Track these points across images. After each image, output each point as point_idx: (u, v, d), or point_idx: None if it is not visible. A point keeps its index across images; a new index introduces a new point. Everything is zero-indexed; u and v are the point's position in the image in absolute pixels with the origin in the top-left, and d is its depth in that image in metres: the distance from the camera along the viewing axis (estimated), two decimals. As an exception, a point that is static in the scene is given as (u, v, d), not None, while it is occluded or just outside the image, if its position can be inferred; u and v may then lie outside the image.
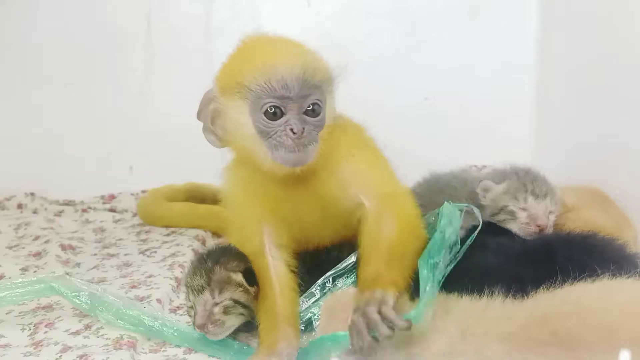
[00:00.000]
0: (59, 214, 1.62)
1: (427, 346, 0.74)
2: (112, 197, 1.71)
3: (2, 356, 0.89)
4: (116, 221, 1.59)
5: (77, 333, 0.95)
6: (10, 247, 1.34)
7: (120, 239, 1.45)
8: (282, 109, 0.85)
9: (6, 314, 1.03)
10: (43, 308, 1.05)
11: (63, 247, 1.32)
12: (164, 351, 0.92)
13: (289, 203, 0.94)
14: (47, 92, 1.72)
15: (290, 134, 0.85)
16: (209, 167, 1.71)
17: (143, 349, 0.92)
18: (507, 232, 1.01)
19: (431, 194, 1.10)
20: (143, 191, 1.69)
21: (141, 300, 1.06)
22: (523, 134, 1.67)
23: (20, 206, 1.66)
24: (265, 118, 0.86)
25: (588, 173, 1.33)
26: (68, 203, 1.69)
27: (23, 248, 1.33)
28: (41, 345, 0.91)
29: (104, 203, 1.69)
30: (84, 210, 1.64)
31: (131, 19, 1.67)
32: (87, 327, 0.97)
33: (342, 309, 0.81)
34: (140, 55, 1.69)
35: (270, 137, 0.86)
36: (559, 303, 0.71)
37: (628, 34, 1.18)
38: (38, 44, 1.69)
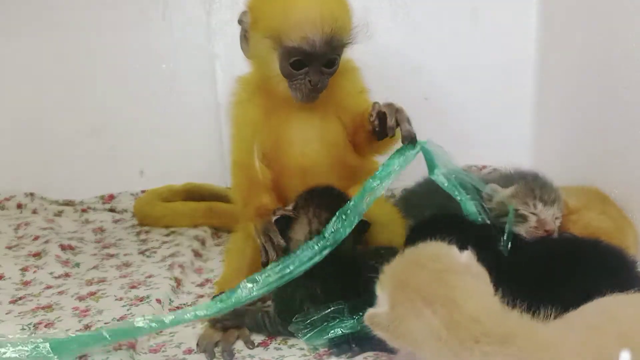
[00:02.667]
0: (59, 214, 1.62)
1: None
2: (111, 197, 1.71)
3: (1, 356, 0.88)
4: (116, 221, 1.59)
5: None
6: (10, 247, 1.34)
7: (119, 239, 1.45)
8: (306, 62, 0.96)
9: (6, 314, 1.03)
10: (43, 308, 1.05)
11: (63, 247, 1.32)
12: (163, 351, 0.92)
13: (297, 123, 1.04)
14: (47, 92, 1.72)
15: (309, 85, 0.97)
16: (208, 167, 1.72)
17: (143, 349, 0.92)
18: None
19: (431, 194, 1.10)
20: (143, 191, 1.69)
21: (141, 301, 1.06)
22: (523, 134, 1.67)
23: (19, 206, 1.66)
24: (289, 67, 0.96)
25: (588, 173, 1.32)
26: (68, 203, 1.69)
27: (23, 248, 1.33)
28: (41, 346, 0.91)
29: (103, 203, 1.69)
30: (83, 211, 1.64)
31: (131, 19, 1.67)
32: (87, 327, 0.97)
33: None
34: (140, 56, 1.69)
35: (291, 81, 0.98)
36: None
37: (628, 34, 1.18)
38: (38, 44, 1.69)
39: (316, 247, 0.88)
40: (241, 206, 1.06)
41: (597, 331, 0.64)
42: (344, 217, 0.90)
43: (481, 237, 0.90)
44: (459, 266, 0.66)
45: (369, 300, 0.71)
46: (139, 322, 0.85)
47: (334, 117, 1.06)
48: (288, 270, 0.87)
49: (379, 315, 0.66)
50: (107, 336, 0.83)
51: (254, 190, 1.04)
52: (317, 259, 0.88)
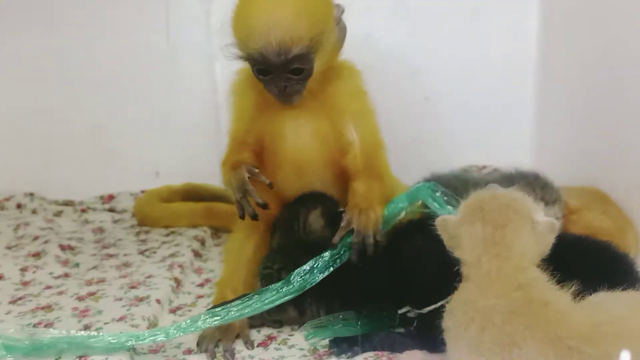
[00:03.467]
0: (58, 214, 1.61)
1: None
2: (111, 197, 1.70)
3: (1, 357, 0.88)
4: (115, 221, 1.59)
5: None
6: (9, 248, 1.34)
7: (119, 239, 1.45)
8: (268, 70, 0.96)
9: (5, 314, 1.03)
10: (42, 308, 1.05)
11: (62, 248, 1.32)
12: (163, 351, 0.92)
13: (289, 119, 1.04)
14: (47, 91, 1.72)
15: (274, 90, 0.98)
16: (208, 167, 1.71)
17: (143, 349, 0.92)
18: None
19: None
20: (142, 191, 1.69)
21: (140, 301, 1.06)
22: (523, 134, 1.67)
23: (19, 206, 1.66)
24: (257, 73, 0.98)
25: (588, 173, 1.32)
26: (67, 203, 1.68)
27: (22, 248, 1.33)
28: (40, 346, 0.91)
29: (103, 203, 1.69)
30: (83, 211, 1.63)
31: (131, 19, 1.67)
32: (87, 327, 0.96)
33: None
34: (140, 55, 1.69)
35: (264, 83, 0.99)
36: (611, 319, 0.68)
37: (629, 33, 1.18)
38: (38, 43, 1.68)
39: (281, 291, 0.89)
40: (221, 165, 1.07)
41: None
42: (313, 269, 0.90)
43: None
44: (527, 213, 0.76)
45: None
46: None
47: (326, 117, 1.05)
48: (247, 310, 0.88)
49: (447, 220, 0.78)
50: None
51: (235, 150, 1.07)
52: (278, 302, 0.89)
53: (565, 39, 1.50)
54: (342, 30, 1.04)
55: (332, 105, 1.05)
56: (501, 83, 1.64)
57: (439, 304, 0.79)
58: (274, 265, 0.98)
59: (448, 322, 0.73)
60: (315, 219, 1.02)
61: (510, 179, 1.07)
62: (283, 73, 0.96)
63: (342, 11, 1.03)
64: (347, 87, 1.07)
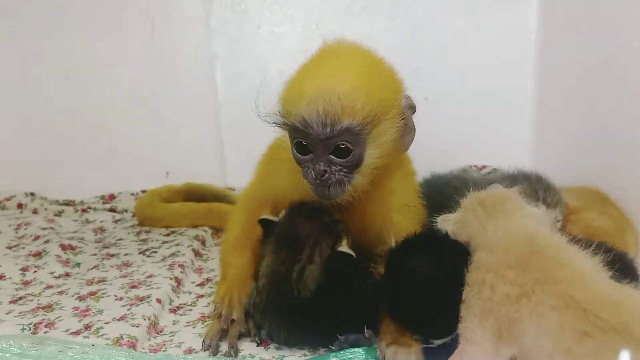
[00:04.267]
0: (59, 214, 1.62)
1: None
2: (112, 197, 1.71)
3: (2, 356, 0.88)
4: (116, 221, 1.59)
5: (77, 333, 0.94)
6: (10, 247, 1.34)
7: (120, 239, 1.45)
8: (309, 146, 0.84)
9: (6, 314, 1.03)
10: (43, 308, 1.05)
11: (63, 247, 1.32)
12: (163, 351, 0.92)
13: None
14: (47, 91, 1.72)
15: (311, 175, 0.84)
16: (208, 167, 1.72)
17: (143, 348, 0.92)
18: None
19: (431, 195, 1.10)
20: (143, 191, 1.69)
21: (141, 300, 1.06)
22: (523, 134, 1.67)
23: (20, 206, 1.66)
24: (295, 150, 0.87)
25: (588, 173, 1.32)
26: (68, 203, 1.69)
27: (23, 248, 1.33)
28: (41, 346, 0.91)
29: (103, 203, 1.69)
30: (83, 210, 1.64)
31: (132, 19, 1.67)
32: (87, 327, 0.97)
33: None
34: (140, 56, 1.69)
35: (301, 167, 0.86)
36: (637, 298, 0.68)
37: (628, 34, 1.18)
38: (38, 44, 1.69)
39: None
40: (231, 230, 1.03)
41: None
42: None
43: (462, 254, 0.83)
44: (522, 203, 0.82)
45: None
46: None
47: (364, 226, 0.94)
48: None
49: (449, 217, 0.83)
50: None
51: (245, 235, 1.00)
52: None
53: (564, 39, 1.50)
54: (410, 130, 0.91)
55: (373, 213, 0.93)
56: (501, 83, 1.65)
57: (448, 338, 0.78)
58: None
59: (465, 297, 0.74)
60: (312, 277, 0.87)
61: (512, 180, 1.07)
62: (326, 153, 0.83)
63: (413, 108, 0.91)
64: (400, 196, 0.95)
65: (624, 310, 0.65)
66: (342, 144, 0.83)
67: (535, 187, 1.03)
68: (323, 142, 0.82)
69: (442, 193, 1.09)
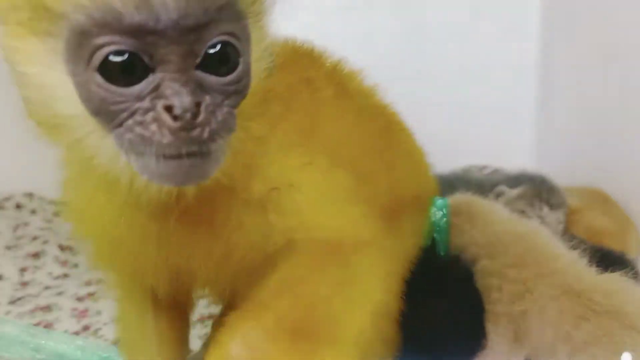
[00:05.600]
0: (58, 214, 1.61)
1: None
2: (111, 197, 1.70)
3: (0, 358, 0.88)
4: (115, 221, 1.58)
5: (75, 334, 0.94)
6: (8, 248, 1.34)
7: (119, 240, 1.44)
8: (146, 58, 0.39)
9: (5, 314, 1.03)
10: (42, 309, 1.05)
11: (61, 248, 1.32)
12: (163, 352, 0.91)
13: (157, 243, 0.51)
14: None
15: (168, 118, 0.39)
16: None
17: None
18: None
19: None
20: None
21: (140, 301, 1.05)
22: (524, 134, 1.67)
23: (18, 206, 1.65)
24: (103, 80, 0.40)
25: (589, 173, 1.32)
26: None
27: (21, 248, 1.33)
28: (39, 347, 0.90)
29: (102, 203, 1.68)
30: (82, 211, 1.63)
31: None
32: (85, 328, 0.96)
33: None
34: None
35: (120, 125, 0.40)
36: (630, 287, 0.69)
37: (632, 34, 1.17)
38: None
39: None
40: None
41: None
42: None
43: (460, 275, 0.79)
44: (482, 203, 0.85)
45: None
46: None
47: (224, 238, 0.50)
48: None
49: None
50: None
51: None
52: None
53: (566, 39, 1.49)
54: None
55: (239, 213, 0.50)
56: (502, 83, 1.64)
57: None
58: None
59: None
60: None
61: (516, 180, 1.07)
62: (189, 67, 0.40)
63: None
64: (280, 166, 0.51)
65: (615, 297, 0.67)
66: (223, 41, 0.41)
67: (539, 188, 1.03)
68: (184, 41, 0.39)
69: (444, 193, 1.08)
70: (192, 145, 0.39)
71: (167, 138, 0.39)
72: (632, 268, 0.87)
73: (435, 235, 0.82)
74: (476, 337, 0.73)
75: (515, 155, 1.57)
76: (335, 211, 0.52)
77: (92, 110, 0.41)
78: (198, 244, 0.51)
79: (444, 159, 1.36)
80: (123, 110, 0.40)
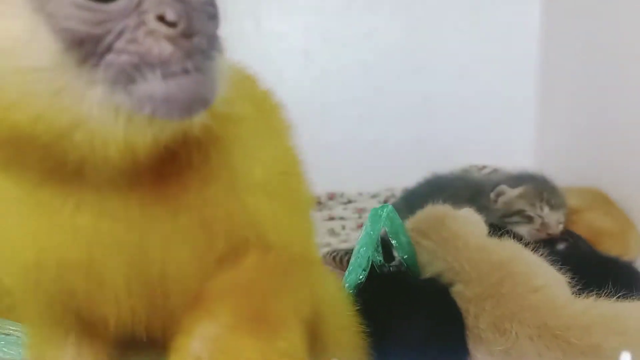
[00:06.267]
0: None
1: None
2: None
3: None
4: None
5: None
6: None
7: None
8: None
9: (4, 315, 1.02)
10: (41, 309, 1.04)
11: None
12: (163, 353, 0.91)
13: (95, 237, 0.43)
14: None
15: (163, 27, 0.36)
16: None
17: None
18: None
19: (432, 195, 1.09)
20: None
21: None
22: (525, 134, 1.66)
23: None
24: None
25: (590, 174, 1.32)
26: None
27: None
28: (39, 347, 0.90)
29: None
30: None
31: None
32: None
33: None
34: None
35: (109, 49, 0.36)
36: (609, 318, 0.68)
37: (632, 33, 1.17)
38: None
39: None
40: None
41: None
42: None
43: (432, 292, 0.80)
44: (455, 217, 0.83)
45: None
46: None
47: (194, 227, 0.45)
48: None
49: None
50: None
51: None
52: None
53: (567, 38, 1.49)
54: None
55: (208, 198, 0.45)
56: (502, 82, 1.64)
57: None
58: None
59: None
60: None
61: (517, 180, 1.07)
62: None
63: None
64: (245, 153, 0.47)
65: (594, 332, 0.66)
66: None
67: (540, 189, 1.03)
68: None
69: (444, 193, 1.08)
70: (195, 56, 0.36)
71: (167, 49, 0.35)
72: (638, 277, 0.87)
73: (391, 239, 0.82)
74: (461, 353, 0.73)
75: (515, 155, 1.57)
76: (293, 224, 0.51)
77: (73, 40, 0.35)
78: (175, 235, 0.44)
79: (444, 158, 1.37)
80: (109, 31, 0.35)
